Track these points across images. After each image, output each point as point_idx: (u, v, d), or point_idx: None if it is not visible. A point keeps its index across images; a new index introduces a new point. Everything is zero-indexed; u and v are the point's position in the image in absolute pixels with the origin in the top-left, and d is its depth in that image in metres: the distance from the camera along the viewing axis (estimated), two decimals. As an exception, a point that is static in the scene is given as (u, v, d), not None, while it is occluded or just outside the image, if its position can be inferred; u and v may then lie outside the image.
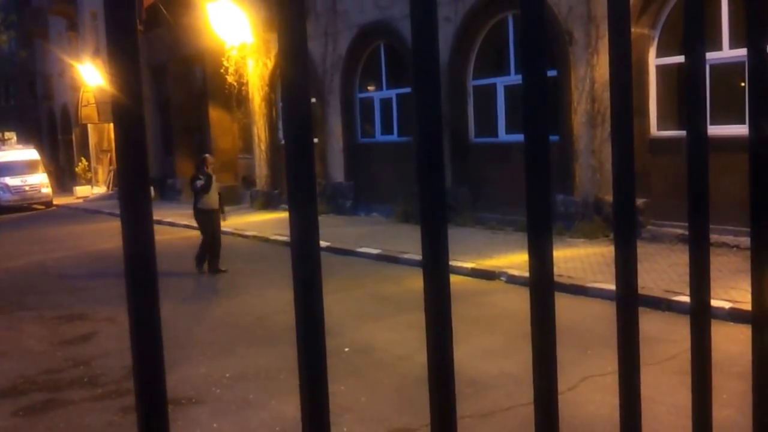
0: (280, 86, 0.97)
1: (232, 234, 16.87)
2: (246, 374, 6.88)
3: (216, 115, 23.71)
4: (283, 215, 19.25)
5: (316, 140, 18.80)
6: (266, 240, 15.66)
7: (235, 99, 22.71)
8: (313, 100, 19.02)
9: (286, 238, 14.73)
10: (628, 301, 1.31)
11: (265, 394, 6.29)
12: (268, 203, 21.32)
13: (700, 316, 1.43)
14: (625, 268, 1.31)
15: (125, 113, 0.92)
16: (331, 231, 14.99)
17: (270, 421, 5.69)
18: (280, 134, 21.63)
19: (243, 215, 20.08)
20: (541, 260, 1.19)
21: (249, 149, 22.88)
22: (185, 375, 6.83)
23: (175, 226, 18.97)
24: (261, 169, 22.14)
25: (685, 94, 1.41)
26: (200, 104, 24.86)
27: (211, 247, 12.22)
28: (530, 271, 1.18)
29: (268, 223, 17.92)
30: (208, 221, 12.28)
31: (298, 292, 1.02)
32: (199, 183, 12.01)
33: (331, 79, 18.80)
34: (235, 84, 21.95)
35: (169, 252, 14.31)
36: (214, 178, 12.28)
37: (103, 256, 14.20)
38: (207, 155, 12.96)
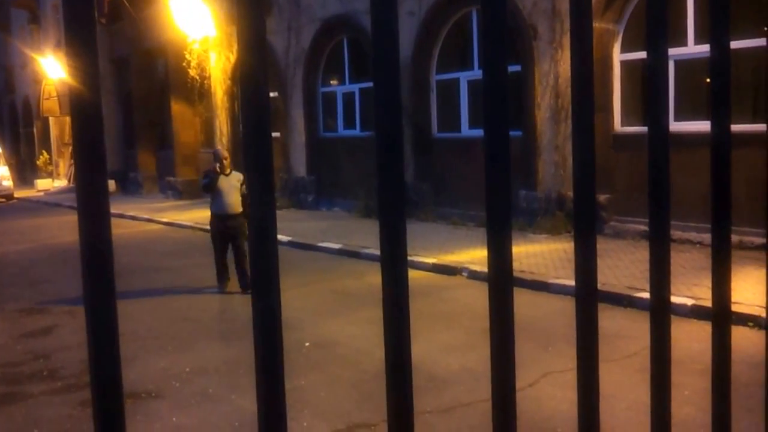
0: (239, 78, 0.95)
1: (192, 228, 16.73)
2: (206, 368, 6.82)
3: (178, 108, 23.44)
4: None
5: (278, 134, 18.71)
6: (228, 234, 15.53)
7: (197, 93, 22.49)
8: (276, 93, 18.91)
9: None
10: (587, 297, 1.31)
11: (225, 388, 6.24)
12: (230, 197, 21.15)
13: (660, 312, 1.44)
14: (585, 263, 1.31)
15: (83, 106, 0.90)
16: (293, 225, 14.92)
17: (230, 415, 5.65)
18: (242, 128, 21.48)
19: (205, 209, 19.88)
20: (500, 256, 1.18)
21: (211, 143, 22.68)
22: (145, 369, 6.76)
23: (136, 219, 18.78)
24: (223, 163, 21.94)
25: (648, 90, 1.40)
26: (162, 98, 24.55)
27: (236, 260, 9.97)
28: (489, 266, 1.17)
29: (229, 217, 17.77)
30: (222, 229, 9.98)
31: (256, 285, 1.00)
32: (203, 182, 10.20)
33: (294, 73, 18.70)
34: (198, 78, 21.74)
35: (131, 246, 14.13)
36: (232, 175, 10.06)
37: (64, 249, 13.96)
38: (218, 148, 11.21)
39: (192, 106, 23.37)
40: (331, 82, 18.72)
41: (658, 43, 1.39)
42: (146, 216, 19.07)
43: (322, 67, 18.62)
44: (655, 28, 1.39)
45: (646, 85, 13.32)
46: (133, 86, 25.53)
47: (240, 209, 9.98)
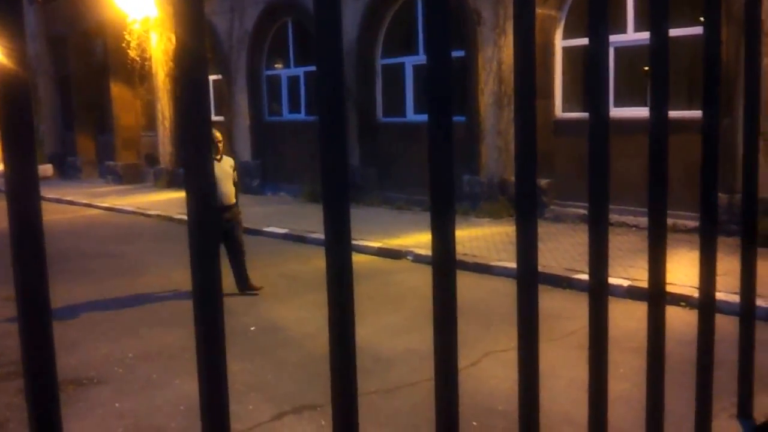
0: (175, 59, 0.94)
1: (135, 213, 16.45)
2: (150, 354, 6.75)
3: (118, 90, 22.93)
4: (189, 193, 18.84)
5: (221, 118, 18.47)
6: (170, 219, 15.32)
7: (138, 74, 22.02)
8: (219, 76, 18.65)
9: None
10: (528, 279, 1.35)
11: (168, 374, 6.18)
12: (172, 182, 20.86)
13: (598, 293, 1.48)
14: (526, 246, 1.34)
15: (10, 86, 0.88)
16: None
17: (174, 400, 5.61)
18: (178, 110, 21.12)
19: (146, 194, 19.61)
20: (443, 239, 1.20)
21: (152, 126, 22.28)
22: (87, 355, 6.65)
23: (75, 204, 18.37)
24: (165, 147, 21.61)
25: (588, 76, 1.44)
26: (102, 79, 23.95)
27: (231, 256, 8.69)
28: (433, 249, 1.20)
29: (172, 201, 17.53)
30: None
31: (195, 264, 1.01)
32: None
33: (238, 55, 18.46)
34: (138, 59, 21.26)
35: (70, 231, 13.83)
36: (224, 160, 8.91)
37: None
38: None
39: (133, 88, 22.90)
40: (276, 65, 18.54)
41: (598, 30, 1.43)
42: (85, 201, 18.67)
43: (267, 50, 18.42)
44: (596, 15, 1.43)
45: (586, 72, 13.48)
46: (71, 67, 24.84)
47: (234, 199, 9.01)
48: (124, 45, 21.22)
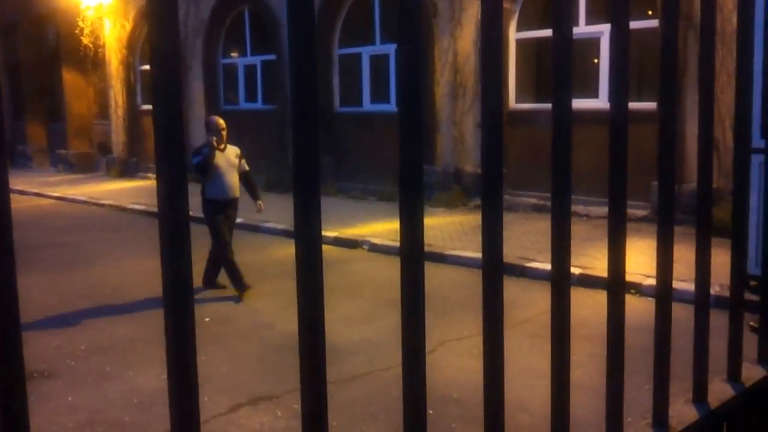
0: (149, 51, 0.93)
1: (87, 203, 16.16)
2: (102, 346, 6.64)
3: (70, 78, 22.46)
4: (141, 184, 18.62)
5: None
6: (123, 209, 15.08)
7: (90, 62, 21.59)
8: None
9: (143, 207, 14.23)
10: (494, 267, 1.36)
11: (122, 366, 6.10)
12: (125, 171, 20.54)
13: (561, 283, 1.50)
14: (491, 235, 1.35)
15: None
16: (192, 200, 14.50)
17: (128, 393, 5.53)
18: (139, 99, 20.78)
19: (99, 183, 19.28)
20: (412, 228, 1.21)
21: (105, 115, 21.88)
22: (38, 348, 6.51)
23: (25, 194, 17.96)
24: (118, 136, 21.26)
25: (553, 69, 1.45)
26: (53, 67, 23.43)
27: (214, 248, 8.15)
28: (401, 238, 1.20)
29: (125, 191, 17.26)
30: (224, 218, 8.10)
31: (165, 257, 0.99)
32: (196, 160, 7.97)
33: (193, 43, 18.22)
34: (91, 46, 20.86)
35: (20, 221, 13.48)
36: (229, 149, 8.24)
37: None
38: (213, 117, 8.47)
39: (85, 75, 22.46)
40: (232, 53, 18.34)
41: (561, 23, 1.44)
42: (35, 190, 18.29)
43: (223, 38, 18.21)
44: (559, 8, 1.44)
45: (540, 63, 13.60)
46: (21, 55, 24.26)
47: (237, 192, 8.21)
48: (77, 32, 20.79)
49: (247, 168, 8.48)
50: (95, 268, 9.78)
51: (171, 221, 0.98)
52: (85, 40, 20.76)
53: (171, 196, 0.98)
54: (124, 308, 7.77)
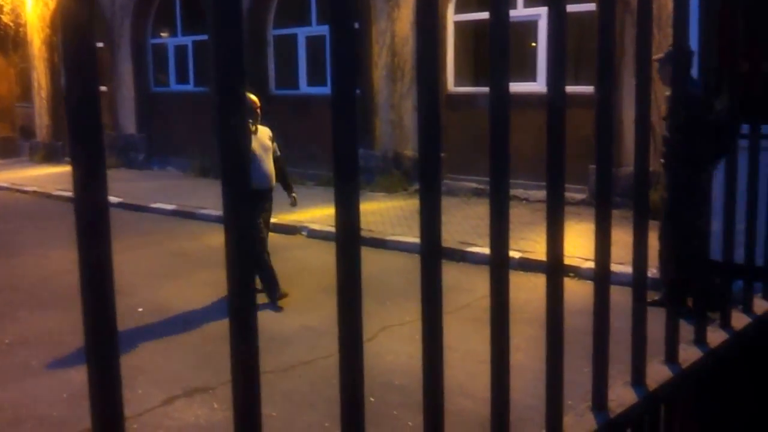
0: (59, 19, 0.84)
1: (9, 189, 15.60)
2: (28, 339, 6.41)
3: (-10, 58, 21.63)
4: (67, 169, 17.96)
5: (104, 88, 17.69)
6: (48, 196, 14.59)
7: (11, 41, 20.80)
8: (101, 44, 17.82)
9: (70, 194, 13.78)
10: (432, 252, 1.32)
11: (49, 359, 5.89)
12: (49, 156, 19.88)
13: (500, 268, 1.48)
14: (429, 220, 1.32)
15: None
16: (123, 186, 14.25)
17: (56, 387, 5.34)
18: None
19: (22, 169, 18.63)
20: (347, 213, 1.16)
21: (28, 97, 21.14)
22: (-43, 343, 6.25)
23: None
24: (42, 119, 20.57)
25: (490, 52, 1.42)
26: (-30, 46, 22.53)
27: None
28: (337, 223, 1.16)
29: (50, 177, 16.71)
30: (260, 211, 7.08)
31: (83, 246, 0.92)
32: None
33: (121, 22, 17.69)
34: (12, 24, 20.10)
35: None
36: (262, 131, 7.24)
37: None
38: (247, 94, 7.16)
39: (5, 56, 21.64)
40: (162, 33, 17.88)
41: (499, 5, 1.41)
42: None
43: (152, 17, 17.73)
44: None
45: (479, 47, 13.62)
46: (-64, 33, 23.24)
47: (273, 181, 7.28)
48: (-5, 10, 20.01)
49: (279, 153, 7.47)
50: (18, 258, 9.44)
51: (88, 207, 0.91)
52: (5, 19, 20.00)
53: (87, 180, 0.90)
54: (52, 300, 7.51)
